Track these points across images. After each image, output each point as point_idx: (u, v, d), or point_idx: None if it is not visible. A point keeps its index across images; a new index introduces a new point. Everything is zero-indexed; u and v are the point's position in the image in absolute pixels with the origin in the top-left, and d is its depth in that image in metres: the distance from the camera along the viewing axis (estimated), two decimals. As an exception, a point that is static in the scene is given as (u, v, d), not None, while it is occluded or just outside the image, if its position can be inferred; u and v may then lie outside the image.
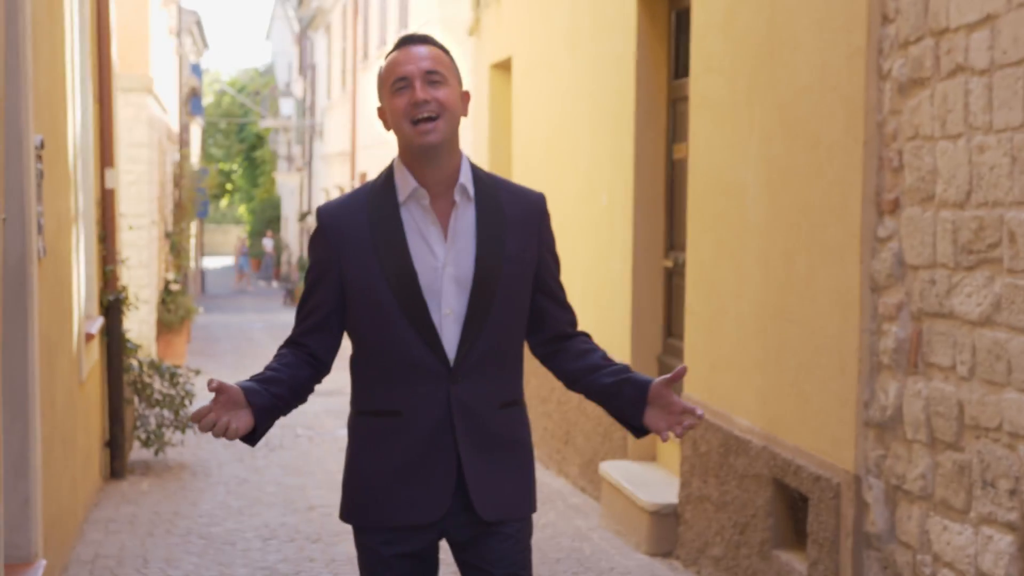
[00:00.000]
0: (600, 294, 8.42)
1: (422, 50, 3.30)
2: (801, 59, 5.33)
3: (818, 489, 5.14)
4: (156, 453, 9.95)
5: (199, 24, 44.49)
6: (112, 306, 9.39)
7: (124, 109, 16.88)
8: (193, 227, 34.49)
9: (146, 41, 17.49)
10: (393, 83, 3.28)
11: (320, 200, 31.46)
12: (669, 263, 7.74)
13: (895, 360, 4.64)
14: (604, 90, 8.40)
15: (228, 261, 56.70)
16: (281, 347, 3.41)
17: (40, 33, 6.01)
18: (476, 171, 3.38)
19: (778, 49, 5.57)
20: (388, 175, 3.36)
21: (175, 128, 27.03)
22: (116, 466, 9.43)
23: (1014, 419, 3.91)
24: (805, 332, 5.31)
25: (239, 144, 56.99)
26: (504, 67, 12.21)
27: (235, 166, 57.97)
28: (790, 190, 5.45)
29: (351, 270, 3.29)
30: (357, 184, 24.09)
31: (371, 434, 3.35)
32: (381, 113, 3.37)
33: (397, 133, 3.30)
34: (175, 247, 24.56)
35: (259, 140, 54.19)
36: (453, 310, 3.27)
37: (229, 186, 60.16)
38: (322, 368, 3.40)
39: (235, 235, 58.89)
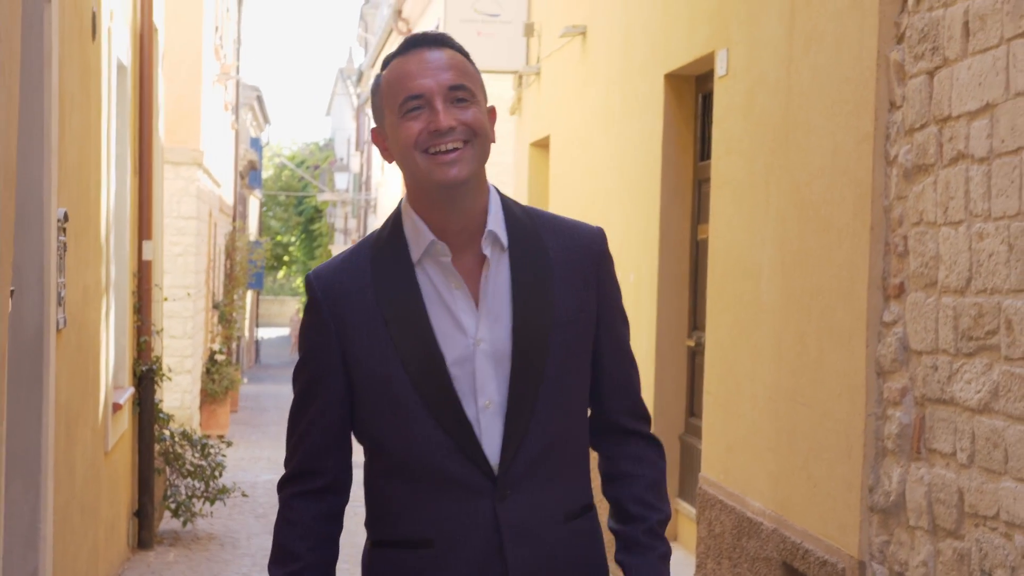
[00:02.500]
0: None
1: (441, 57, 2.49)
2: (815, 143, 5.35)
3: (824, 574, 5.10)
4: (184, 524, 9.99)
5: (260, 99, 45.18)
6: (145, 376, 9.47)
7: (173, 182, 17.15)
8: (249, 297, 34.86)
9: (197, 116, 17.72)
10: (403, 102, 2.47)
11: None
12: (692, 343, 7.73)
13: (899, 445, 4.61)
14: (633, 169, 8.45)
15: (284, 331, 57.08)
16: (289, 495, 2.62)
17: (71, 108, 6.12)
18: (510, 208, 2.59)
19: (793, 132, 5.59)
20: (394, 225, 2.58)
21: (229, 200, 27.31)
22: (144, 536, 9.48)
23: (1010, 508, 3.87)
24: (815, 415, 5.28)
25: (297, 217, 57.53)
26: (543, 145, 12.31)
27: (293, 238, 58.46)
28: (803, 272, 5.45)
29: (357, 356, 2.52)
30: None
31: (393, 572, 2.59)
32: (378, 139, 2.57)
33: (405, 167, 2.51)
34: (224, 317, 24.76)
35: (317, 213, 54.70)
36: (493, 400, 2.50)
37: (286, 258, 60.62)
38: (343, 496, 2.66)
39: (292, 306, 59.43)
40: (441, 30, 21.54)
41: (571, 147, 10.69)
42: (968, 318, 4.14)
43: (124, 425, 8.75)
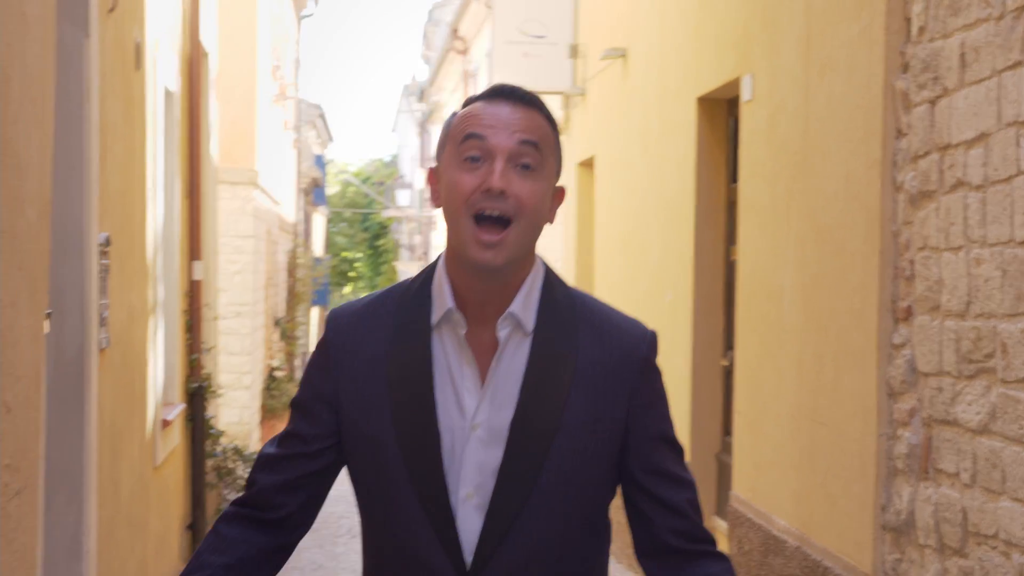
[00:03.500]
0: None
1: (521, 115, 2.25)
2: (830, 168, 5.47)
3: (840, 591, 5.21)
4: (235, 538, 10.20)
5: (323, 117, 45.60)
6: (196, 393, 9.70)
7: (230, 202, 17.44)
8: (314, 314, 35.22)
9: (252, 137, 18.01)
10: (464, 142, 2.26)
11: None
12: (726, 362, 7.85)
13: (908, 465, 4.72)
14: (670, 191, 8.58)
15: (352, 347, 57.45)
16: (230, 513, 2.43)
17: (113, 138, 6.34)
18: (552, 290, 2.34)
19: (810, 158, 5.71)
20: (425, 279, 2.37)
21: (290, 218, 27.63)
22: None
23: (1007, 527, 3.98)
24: (833, 435, 5.40)
25: (363, 233, 57.94)
26: (589, 165, 12.46)
27: (359, 254, 58.85)
28: (820, 295, 5.57)
29: (351, 412, 2.33)
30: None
31: None
32: (433, 179, 2.36)
33: (450, 220, 2.28)
34: (286, 334, 25.06)
35: (382, 229, 55.06)
36: (474, 494, 2.27)
37: (352, 274, 61.11)
38: (292, 536, 2.44)
39: (357, 322, 59.76)
40: (490, 51, 21.69)
41: (614, 168, 10.84)
42: (968, 341, 4.25)
43: (175, 441, 8.96)
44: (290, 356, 25.48)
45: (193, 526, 9.67)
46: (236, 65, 17.06)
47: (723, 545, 7.38)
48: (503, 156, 2.21)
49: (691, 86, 8.07)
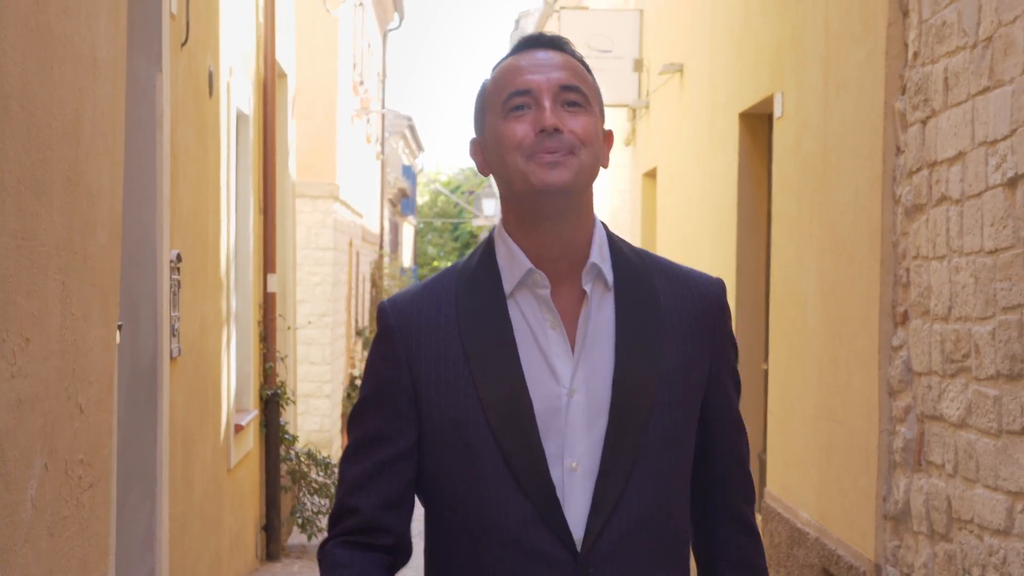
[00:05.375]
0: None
1: (555, 57, 2.22)
2: (843, 182, 5.85)
3: (852, 577, 5.59)
4: (309, 538, 10.72)
5: (412, 128, 46.26)
6: (271, 400, 10.23)
7: (310, 215, 18.06)
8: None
9: (333, 152, 18.60)
10: (507, 99, 2.19)
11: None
12: (767, 367, 8.22)
13: (904, 458, 5.09)
14: (717, 202, 8.98)
15: (440, 356, 57.97)
16: (337, 544, 2.25)
17: (186, 161, 6.86)
18: (618, 244, 2.28)
19: (828, 173, 6.09)
20: (485, 252, 2.26)
21: (374, 229, 28.22)
22: (272, 549, 10.22)
23: (980, 512, 4.35)
24: (845, 432, 5.78)
25: (453, 242, 58.47)
26: (652, 176, 12.86)
27: (449, 263, 59.29)
28: (836, 301, 5.95)
29: (429, 395, 2.19)
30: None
31: None
32: (476, 150, 2.29)
33: (501, 177, 2.21)
34: (368, 343, 25.63)
35: (472, 238, 55.53)
36: (581, 463, 2.15)
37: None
38: (404, 560, 2.30)
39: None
40: None
41: (673, 179, 11.25)
42: (950, 343, 4.63)
43: (249, 445, 9.49)
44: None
45: (268, 527, 10.19)
46: (316, 84, 17.66)
47: (760, 539, 7.76)
48: (549, 96, 2.16)
49: (735, 101, 8.46)
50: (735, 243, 8.39)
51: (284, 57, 11.60)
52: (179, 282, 6.62)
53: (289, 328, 11.33)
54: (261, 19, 10.27)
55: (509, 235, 2.23)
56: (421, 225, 56.92)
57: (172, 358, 6.46)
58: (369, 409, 2.25)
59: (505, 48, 49.57)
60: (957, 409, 4.56)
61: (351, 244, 21.82)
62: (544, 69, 2.19)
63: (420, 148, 50.34)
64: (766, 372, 8.27)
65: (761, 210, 8.35)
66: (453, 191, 58.04)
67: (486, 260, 2.25)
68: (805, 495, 6.46)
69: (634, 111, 13.73)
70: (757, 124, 8.30)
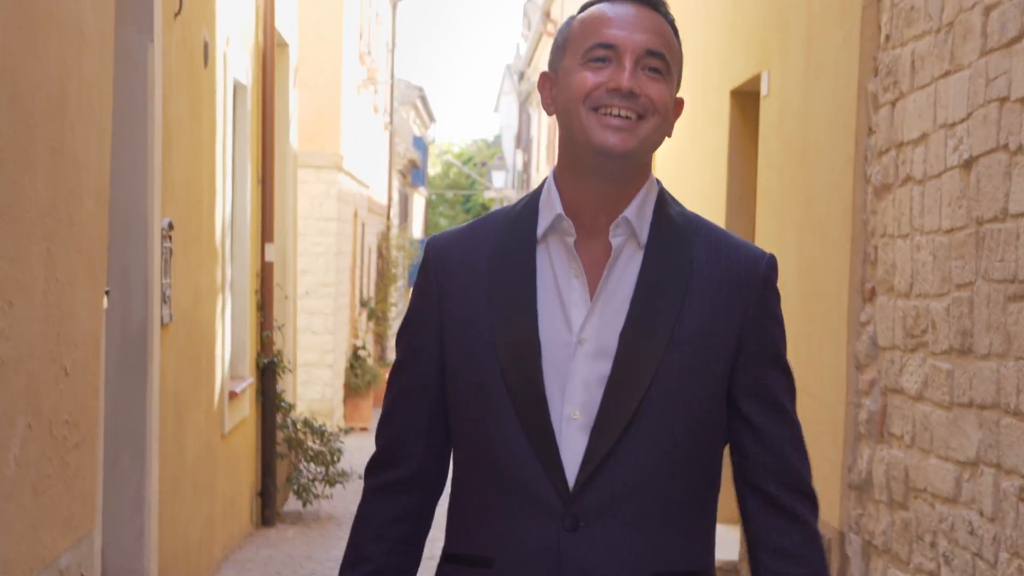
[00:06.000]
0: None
1: (649, 17, 2.18)
2: (821, 162, 5.97)
3: (821, 547, 5.73)
4: (304, 504, 10.88)
5: (423, 99, 46.28)
6: (267, 368, 10.38)
7: (314, 185, 18.18)
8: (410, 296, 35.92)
9: (337, 122, 18.72)
10: (589, 48, 2.16)
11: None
12: (751, 340, 8.36)
13: (868, 430, 5.23)
14: (709, 179, 9.09)
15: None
16: (370, 489, 2.36)
17: (179, 131, 6.99)
18: (666, 205, 2.25)
19: (806, 152, 6.21)
20: (533, 196, 2.29)
21: (381, 200, 28.32)
22: (267, 514, 10.38)
23: (933, 482, 4.49)
24: (816, 404, 5.91)
25: (465, 214, 58.52)
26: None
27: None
28: (811, 278, 6.08)
29: (453, 330, 2.24)
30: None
31: None
32: (545, 84, 2.27)
33: (564, 122, 2.20)
34: (374, 314, 25.76)
35: (484, 210, 55.49)
36: (581, 412, 2.15)
37: (455, 255, 61.53)
38: (431, 492, 2.37)
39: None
40: (549, 41, 21.93)
41: (669, 156, 11.36)
42: (910, 318, 4.76)
43: (244, 412, 9.64)
44: (379, 337, 26.19)
45: (263, 493, 10.35)
46: (320, 54, 17.75)
47: (728, 509, 7.90)
48: (632, 58, 2.12)
49: (726, 79, 8.57)
50: (724, 220, 8.51)
51: (286, 27, 11.71)
52: (171, 250, 6.75)
53: (287, 298, 11.46)
54: (262, -11, 10.38)
55: (556, 181, 2.23)
56: (433, 197, 56.99)
57: (163, 324, 6.60)
58: (404, 335, 2.34)
59: (518, 20, 49.58)
60: (915, 383, 4.69)
61: (356, 215, 21.93)
62: (633, 28, 2.14)
63: (432, 119, 50.38)
64: (751, 346, 8.41)
65: (750, 187, 8.46)
66: (465, 163, 58.05)
67: (530, 204, 2.26)
68: (780, 467, 6.60)
69: (634, 86, 13.80)
70: (747, 102, 8.40)
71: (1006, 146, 3.87)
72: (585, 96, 2.13)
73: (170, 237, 6.73)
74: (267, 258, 10.55)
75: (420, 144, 45.65)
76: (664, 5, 2.21)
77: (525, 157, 43.80)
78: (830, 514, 5.59)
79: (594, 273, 2.19)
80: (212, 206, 8.15)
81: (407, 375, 2.31)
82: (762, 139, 7.35)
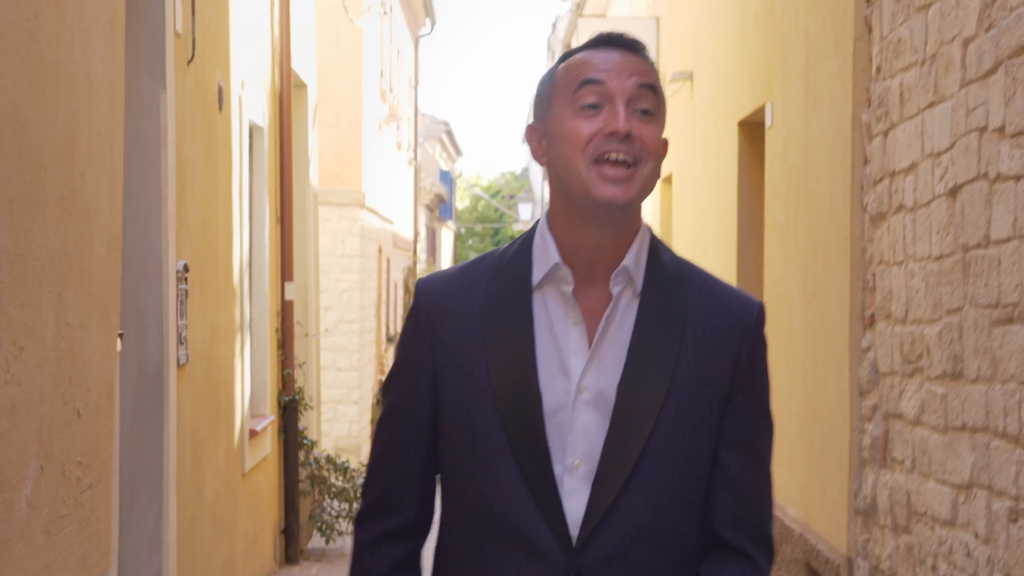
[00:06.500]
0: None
1: (634, 60, 2.18)
2: (822, 190, 6.05)
3: (828, 571, 5.79)
4: (327, 542, 10.97)
5: (449, 133, 46.52)
6: (288, 406, 10.49)
7: (337, 223, 18.34)
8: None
9: (359, 160, 18.88)
10: (578, 87, 2.17)
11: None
12: (765, 368, 8.42)
13: (872, 455, 5.29)
14: (721, 209, 9.18)
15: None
16: (365, 540, 2.34)
17: (194, 174, 7.12)
18: (658, 251, 2.25)
19: (808, 181, 6.30)
20: (524, 241, 2.28)
21: (407, 235, 28.50)
22: (291, 552, 10.48)
23: (932, 505, 4.55)
24: (823, 430, 5.98)
25: (494, 247, 58.41)
26: (669, 181, 13.06)
27: (490, 265, 59.09)
28: (815, 304, 6.15)
29: (447, 378, 2.22)
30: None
31: None
32: (533, 135, 2.26)
33: (559, 173, 2.20)
34: (400, 350, 25.85)
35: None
36: (583, 461, 2.15)
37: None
38: (422, 537, 2.37)
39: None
40: None
41: (685, 185, 11.46)
42: (907, 344, 4.83)
43: (266, 450, 9.75)
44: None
45: (286, 530, 10.45)
46: (340, 93, 17.93)
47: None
48: (623, 100, 2.13)
49: (734, 110, 8.66)
50: (735, 248, 8.60)
51: (304, 68, 11.87)
52: (186, 291, 6.87)
53: (307, 335, 11.57)
54: (277, 32, 10.53)
55: (549, 228, 2.23)
56: (463, 230, 57.15)
57: (179, 365, 6.71)
58: (394, 382, 2.31)
59: (543, 54, 49.80)
60: (913, 407, 4.76)
61: (380, 251, 22.08)
62: (620, 70, 2.15)
63: (458, 153, 50.62)
64: (764, 374, 8.47)
65: (758, 215, 8.55)
66: (493, 196, 58.21)
67: (523, 250, 2.25)
68: (792, 492, 6.66)
69: (651, 117, 13.90)
70: (755, 132, 8.50)
71: (986, 174, 3.95)
72: (584, 146, 2.13)
73: (185, 279, 6.86)
74: (287, 296, 10.68)
75: (447, 178, 45.82)
76: (645, 49, 2.21)
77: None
78: (838, 540, 5.66)
79: (591, 321, 2.19)
80: (229, 246, 8.28)
81: (399, 423, 2.29)
82: (768, 168, 7.44)
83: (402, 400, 2.29)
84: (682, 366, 2.17)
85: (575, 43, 28.18)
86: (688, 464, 2.17)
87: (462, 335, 2.22)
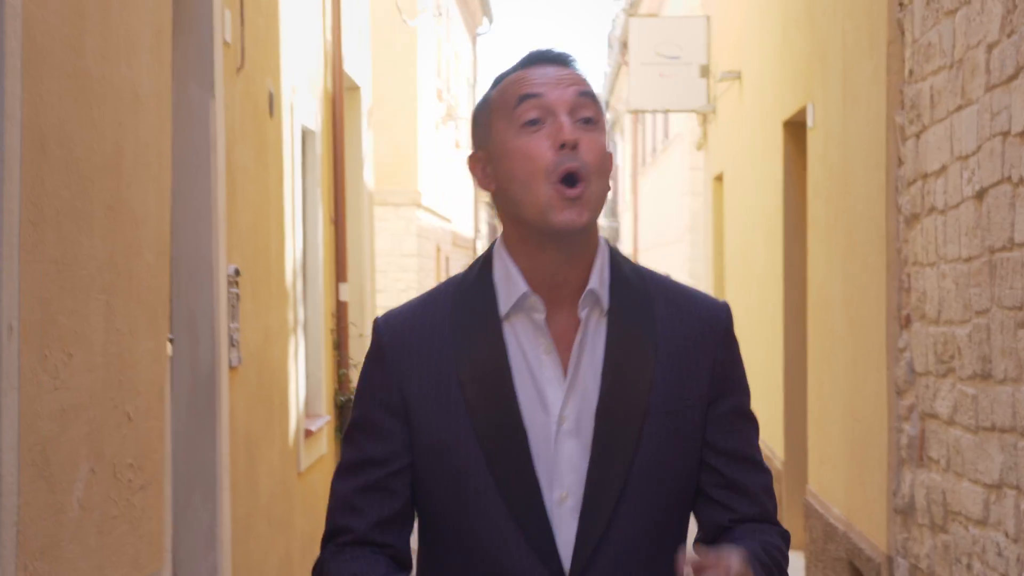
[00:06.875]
0: (763, 390, 9.20)
1: (563, 71, 2.15)
2: (859, 191, 6.10)
3: (869, 570, 5.85)
4: (384, 537, 11.10)
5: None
6: (344, 406, 10.63)
7: (393, 223, 18.52)
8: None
9: (414, 160, 19.04)
10: (518, 104, 2.11)
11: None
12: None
13: (909, 455, 5.35)
14: (768, 208, 9.23)
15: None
16: (329, 554, 2.24)
17: (244, 180, 7.27)
18: (620, 266, 2.20)
19: (847, 182, 6.35)
20: (483, 269, 2.20)
21: (466, 233, 28.64)
22: (348, 549, 10.61)
23: (965, 505, 4.61)
24: (863, 429, 6.03)
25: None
26: (720, 179, 13.13)
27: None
28: (855, 304, 6.21)
29: (419, 420, 2.14)
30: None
31: None
32: (475, 164, 2.20)
33: (512, 197, 2.13)
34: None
35: (574, 236, 55.53)
36: (571, 493, 2.11)
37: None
38: (404, 571, 2.21)
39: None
40: (611, 76, 22.06)
41: (735, 184, 11.51)
42: (940, 345, 4.88)
43: (322, 450, 9.90)
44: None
45: (345, 527, 10.58)
46: (395, 94, 18.11)
47: (798, 535, 8.01)
48: (565, 110, 2.09)
49: (779, 110, 8.72)
50: (781, 248, 8.65)
51: (358, 71, 12.00)
52: (238, 295, 7.02)
53: (361, 335, 11.72)
54: (329, 37, 10.68)
55: (509, 254, 2.15)
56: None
57: (232, 367, 6.86)
58: (361, 430, 2.19)
59: (603, 49, 49.87)
60: (947, 407, 4.82)
61: (439, 249, 22.23)
62: (557, 83, 2.11)
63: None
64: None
65: (803, 216, 8.60)
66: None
67: (483, 279, 2.17)
68: (836, 491, 6.72)
69: (704, 116, 13.98)
70: (799, 132, 8.55)
71: (1009, 178, 4.01)
72: (539, 168, 2.07)
73: (237, 283, 7.00)
74: (341, 297, 10.82)
75: (508, 175, 45.79)
76: (576, 61, 2.18)
77: (611, 185, 43.97)
78: (879, 538, 5.71)
79: (563, 347, 2.14)
80: (281, 250, 8.43)
81: (372, 470, 2.17)
82: (810, 169, 7.49)
83: (374, 450, 2.17)
84: (658, 384, 2.12)
85: (629, 42, 28.21)
86: (676, 479, 2.14)
87: (433, 372, 2.13)
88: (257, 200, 7.71)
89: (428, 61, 20.60)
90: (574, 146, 2.06)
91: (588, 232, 2.13)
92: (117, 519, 4.71)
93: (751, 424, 2.22)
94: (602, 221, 38.98)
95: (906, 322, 5.39)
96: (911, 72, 5.25)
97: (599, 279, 2.15)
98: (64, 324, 4.10)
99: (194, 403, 6.46)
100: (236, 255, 7.06)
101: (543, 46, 2.24)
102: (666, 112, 17.50)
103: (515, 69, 2.17)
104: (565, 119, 2.08)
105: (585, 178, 2.07)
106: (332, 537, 2.22)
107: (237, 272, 7.01)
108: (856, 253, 6.17)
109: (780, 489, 8.76)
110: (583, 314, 2.13)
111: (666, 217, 21.95)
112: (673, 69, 13.94)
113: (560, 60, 2.16)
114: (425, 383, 2.13)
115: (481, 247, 35.10)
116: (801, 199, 8.57)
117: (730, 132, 11.89)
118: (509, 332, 2.13)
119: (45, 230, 3.92)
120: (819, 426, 7.24)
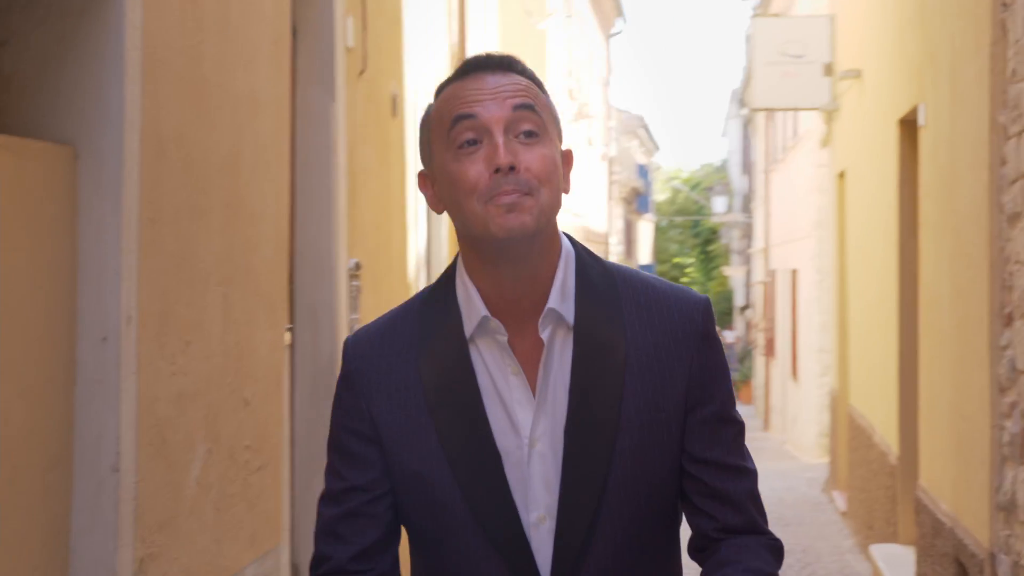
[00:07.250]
0: (879, 387, 9.24)
1: (502, 80, 2.04)
2: (965, 190, 6.15)
3: (973, 566, 5.90)
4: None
5: (646, 127, 46.80)
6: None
7: (521, 219, 18.71)
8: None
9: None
10: (452, 126, 2.03)
11: (762, 295, 31.62)
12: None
13: (1011, 452, 5.39)
14: (883, 206, 9.26)
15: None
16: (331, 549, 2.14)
17: (366, 178, 7.52)
18: (586, 271, 2.11)
19: (955, 180, 6.40)
20: (446, 288, 2.14)
21: (599, 228, 28.80)
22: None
23: (1061, 502, 4.67)
24: (968, 427, 6.08)
25: (694, 239, 58.57)
26: (843, 177, 13.13)
27: (690, 260, 59.18)
28: (962, 303, 6.26)
29: (391, 448, 2.10)
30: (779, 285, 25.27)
31: None
32: (425, 184, 2.14)
33: (457, 218, 2.05)
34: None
35: (713, 234, 55.43)
36: (547, 515, 2.07)
37: (684, 280, 61.61)
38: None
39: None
40: (748, 72, 21.88)
41: (855, 181, 11.53)
42: (1040, 343, 4.94)
43: (443, 439, 10.14)
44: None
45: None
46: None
47: (910, 530, 8.06)
48: (500, 129, 1.99)
49: (894, 108, 8.74)
50: (897, 247, 8.68)
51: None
52: (359, 287, 7.27)
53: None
54: (455, 39, 10.91)
55: (468, 275, 2.09)
56: (665, 222, 57.40)
57: (350, 358, 7.11)
58: (339, 457, 2.14)
59: (741, 45, 49.63)
60: (1045, 405, 4.87)
61: (570, 245, 22.39)
62: (493, 95, 2.01)
63: (656, 146, 50.82)
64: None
65: (916, 215, 8.62)
66: (693, 188, 58.20)
67: (446, 300, 2.11)
68: (943, 488, 6.77)
69: (829, 114, 13.97)
70: (912, 131, 8.57)
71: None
72: (472, 190, 1.99)
73: (357, 276, 7.25)
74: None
75: (644, 172, 45.98)
76: (519, 63, 2.09)
77: (751, 180, 43.78)
78: (982, 535, 5.77)
79: (530, 367, 2.08)
80: (403, 244, 8.68)
81: (353, 496, 2.12)
82: (921, 168, 7.53)
83: (352, 475, 2.11)
84: (629, 396, 2.05)
85: (754, 42, 28.08)
86: (653, 492, 2.08)
87: (401, 398, 2.09)
88: (380, 197, 7.96)
89: (558, 62, 20.77)
90: (510, 170, 1.98)
91: (538, 243, 2.04)
92: (234, 497, 4.96)
93: (733, 428, 2.13)
94: (737, 216, 38.52)
95: (1008, 320, 5.44)
96: (1013, 72, 5.29)
97: (560, 294, 2.07)
98: (182, 314, 4.35)
99: (315, 389, 6.72)
100: (358, 249, 7.31)
101: (485, 51, 2.15)
102: (789, 110, 17.46)
103: (453, 79, 2.09)
104: (500, 140, 1.99)
105: (527, 192, 2.00)
106: (316, 565, 2.16)
107: (358, 266, 7.26)
108: (962, 252, 6.22)
109: (894, 484, 8.81)
110: (545, 335, 2.06)
111: (795, 214, 21.91)
112: (797, 68, 13.97)
113: (500, 66, 2.06)
114: (395, 409, 2.09)
115: (618, 242, 35.23)
116: (915, 197, 8.58)
117: (851, 130, 11.91)
118: (476, 355, 2.08)
119: (163, 227, 4.17)
120: (929, 423, 7.29)
